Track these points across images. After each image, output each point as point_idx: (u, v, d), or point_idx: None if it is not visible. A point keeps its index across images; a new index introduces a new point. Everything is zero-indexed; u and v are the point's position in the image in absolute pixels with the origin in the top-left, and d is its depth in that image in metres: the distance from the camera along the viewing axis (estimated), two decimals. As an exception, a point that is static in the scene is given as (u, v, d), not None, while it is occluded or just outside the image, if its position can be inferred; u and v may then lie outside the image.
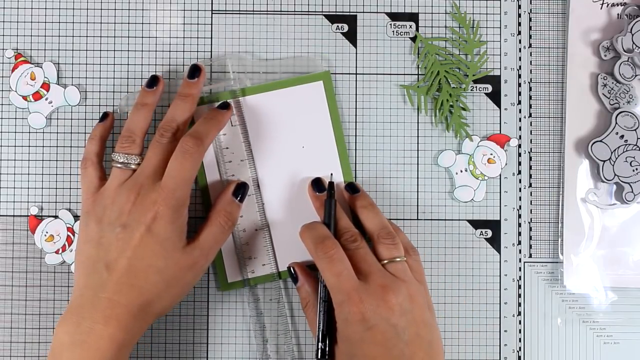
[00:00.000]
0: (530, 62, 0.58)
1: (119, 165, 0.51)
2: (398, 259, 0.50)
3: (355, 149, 0.57)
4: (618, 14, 0.58)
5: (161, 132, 0.52)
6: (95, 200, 0.51)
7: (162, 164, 0.51)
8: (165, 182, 0.50)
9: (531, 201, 0.58)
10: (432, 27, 0.58)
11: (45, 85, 0.57)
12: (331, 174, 0.56)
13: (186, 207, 0.51)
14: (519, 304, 0.58)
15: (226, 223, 0.53)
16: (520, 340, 0.58)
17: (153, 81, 0.54)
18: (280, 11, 0.58)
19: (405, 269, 0.50)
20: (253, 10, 0.58)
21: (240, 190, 0.54)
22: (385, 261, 0.50)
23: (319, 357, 0.49)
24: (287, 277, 0.57)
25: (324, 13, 0.58)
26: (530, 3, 0.58)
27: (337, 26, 0.58)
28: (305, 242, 0.52)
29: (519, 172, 0.58)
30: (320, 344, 0.49)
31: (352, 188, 0.55)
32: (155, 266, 0.49)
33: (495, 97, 0.58)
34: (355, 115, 0.58)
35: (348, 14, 0.58)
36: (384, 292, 0.48)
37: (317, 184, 0.55)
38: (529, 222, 0.58)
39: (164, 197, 0.49)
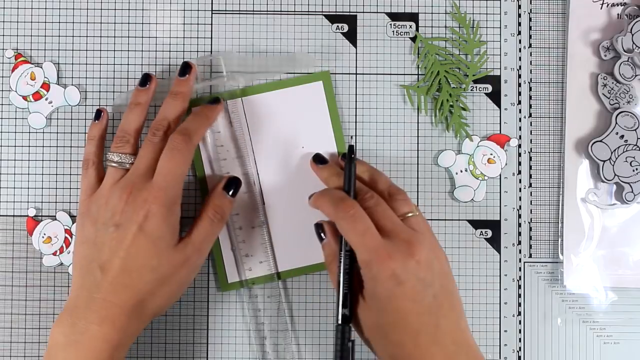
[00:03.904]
0: (530, 62, 0.58)
1: (114, 165, 0.52)
2: (412, 214, 0.50)
3: (355, 149, 0.57)
4: (618, 14, 0.58)
5: (153, 130, 0.52)
6: (91, 201, 0.51)
7: (154, 163, 0.51)
8: (156, 180, 0.50)
9: (531, 201, 0.58)
10: (432, 27, 0.58)
11: (45, 85, 0.57)
12: (350, 137, 0.56)
13: (178, 205, 0.51)
14: (519, 304, 0.58)
15: (214, 216, 0.52)
16: (520, 340, 0.57)
17: (146, 80, 0.54)
18: (280, 11, 0.58)
19: (420, 222, 0.50)
20: (253, 10, 0.58)
21: (232, 185, 0.54)
22: (403, 216, 0.50)
23: (341, 322, 0.49)
24: (286, 278, 0.57)
25: (324, 13, 0.58)
26: (530, 3, 0.58)
27: (337, 26, 0.58)
28: (323, 206, 0.50)
29: (519, 172, 0.58)
30: (343, 309, 0.49)
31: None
32: (148, 265, 0.49)
33: (495, 97, 0.58)
34: (355, 115, 0.58)
35: (348, 14, 0.58)
36: (410, 247, 0.47)
37: (319, 157, 0.55)
38: (529, 222, 0.58)
39: (155, 195, 0.49)
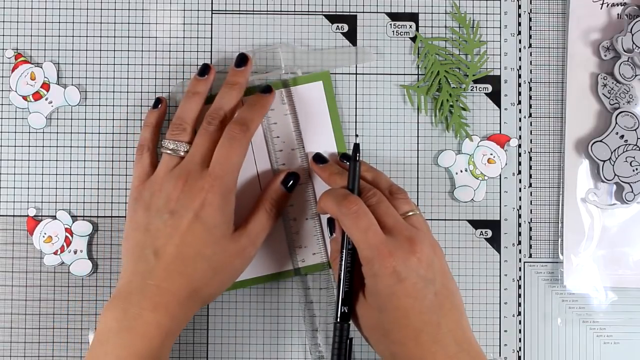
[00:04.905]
0: (530, 62, 0.58)
1: (169, 152, 0.52)
2: (412, 212, 0.50)
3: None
4: (618, 14, 0.58)
5: (208, 119, 0.52)
6: (145, 187, 0.52)
7: (210, 152, 0.51)
8: (212, 169, 0.50)
9: (531, 201, 0.58)
10: (432, 27, 0.58)
11: (45, 85, 0.57)
12: (356, 135, 0.57)
13: (233, 194, 0.51)
14: (519, 304, 0.58)
15: (271, 210, 0.53)
16: (520, 340, 0.58)
17: (204, 70, 0.55)
18: (280, 11, 0.58)
19: (421, 221, 0.50)
20: (253, 10, 0.58)
21: (290, 179, 0.54)
22: (404, 214, 0.50)
23: (340, 320, 0.49)
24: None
25: (324, 13, 0.58)
26: (530, 3, 0.58)
27: (337, 26, 0.58)
28: (327, 205, 0.50)
29: (519, 172, 0.58)
30: (342, 307, 0.49)
31: (348, 157, 0.55)
32: (203, 253, 0.49)
33: (495, 97, 0.58)
34: (355, 115, 0.58)
35: (348, 14, 0.58)
36: (412, 245, 0.47)
37: (319, 157, 0.55)
38: (529, 222, 0.58)
39: (212, 183, 0.49)
